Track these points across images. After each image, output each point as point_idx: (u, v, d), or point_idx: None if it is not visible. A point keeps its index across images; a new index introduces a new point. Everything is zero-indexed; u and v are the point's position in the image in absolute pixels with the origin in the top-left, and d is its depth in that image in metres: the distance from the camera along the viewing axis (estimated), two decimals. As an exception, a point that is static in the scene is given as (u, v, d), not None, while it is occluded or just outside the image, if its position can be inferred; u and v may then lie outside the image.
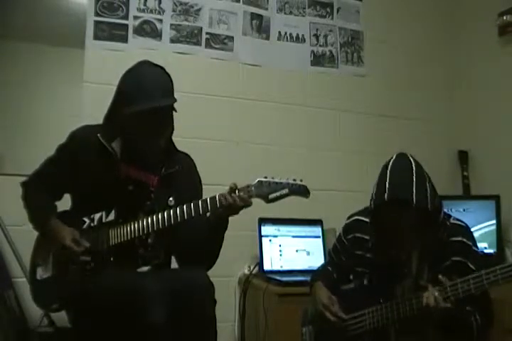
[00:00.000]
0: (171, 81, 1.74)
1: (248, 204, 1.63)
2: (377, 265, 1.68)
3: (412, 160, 1.59)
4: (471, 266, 1.54)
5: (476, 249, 1.61)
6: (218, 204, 1.61)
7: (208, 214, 1.69)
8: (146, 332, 1.53)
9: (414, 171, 1.55)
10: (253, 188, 1.62)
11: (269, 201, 1.63)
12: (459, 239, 1.59)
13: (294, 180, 1.66)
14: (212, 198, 1.62)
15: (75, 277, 1.65)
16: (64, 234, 1.66)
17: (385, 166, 1.60)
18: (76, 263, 1.65)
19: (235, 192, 1.61)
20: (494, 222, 2.74)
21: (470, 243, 1.60)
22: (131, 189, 1.71)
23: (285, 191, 1.63)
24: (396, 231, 1.57)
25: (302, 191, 1.65)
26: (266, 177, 1.64)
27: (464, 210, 2.81)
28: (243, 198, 1.60)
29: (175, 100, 1.69)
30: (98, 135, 1.70)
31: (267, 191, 1.62)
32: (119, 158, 1.71)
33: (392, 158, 1.62)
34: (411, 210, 1.51)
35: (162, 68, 1.75)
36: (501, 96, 3.01)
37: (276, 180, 1.64)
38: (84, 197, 1.74)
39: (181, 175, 1.78)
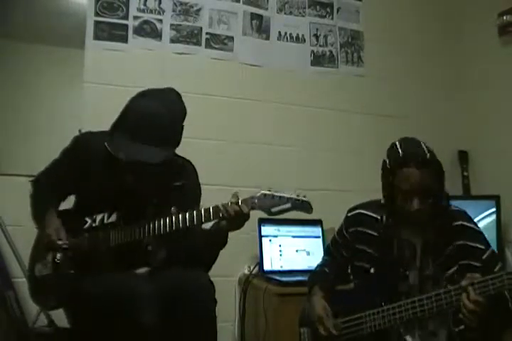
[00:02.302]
0: (179, 125, 1.68)
1: (247, 217, 1.63)
2: (379, 260, 1.68)
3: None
4: (476, 245, 1.56)
5: (477, 229, 1.63)
6: (221, 214, 1.61)
7: (210, 225, 1.70)
8: (145, 331, 1.54)
9: (422, 142, 1.65)
10: (256, 200, 1.62)
11: (271, 214, 1.63)
12: (460, 223, 1.62)
13: (298, 195, 1.65)
14: (215, 207, 1.62)
15: (74, 275, 1.65)
16: (49, 223, 1.67)
17: (391, 144, 1.67)
18: (54, 249, 1.65)
19: (237, 203, 1.61)
20: (494, 222, 2.75)
21: (471, 225, 1.63)
22: (134, 194, 1.71)
23: (288, 206, 1.63)
24: (416, 186, 1.56)
25: (305, 207, 1.65)
26: (270, 190, 1.64)
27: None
28: (244, 209, 1.60)
29: (164, 156, 1.61)
30: (105, 144, 1.65)
31: (270, 204, 1.62)
32: (124, 167, 1.70)
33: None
34: (426, 164, 1.57)
35: (173, 111, 1.66)
36: (501, 96, 3.01)
37: (280, 193, 1.64)
38: (88, 198, 1.74)
39: (185, 187, 1.78)
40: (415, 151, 1.59)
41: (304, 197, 1.66)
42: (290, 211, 1.64)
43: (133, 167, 1.67)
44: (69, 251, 1.65)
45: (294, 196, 1.64)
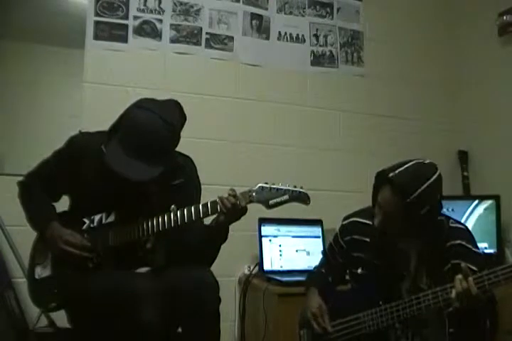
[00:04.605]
0: (175, 141, 1.65)
1: (245, 210, 1.64)
2: (376, 266, 1.68)
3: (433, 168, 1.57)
4: (472, 267, 1.50)
5: (476, 250, 1.59)
6: (219, 208, 1.61)
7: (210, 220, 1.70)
8: (148, 331, 1.53)
9: (432, 179, 1.52)
10: (254, 193, 1.63)
11: (269, 207, 1.64)
12: (458, 242, 1.58)
13: (295, 186, 1.66)
14: (213, 202, 1.62)
15: (74, 276, 1.65)
16: (64, 232, 1.66)
17: (400, 163, 1.58)
18: (77, 259, 1.65)
19: (234, 197, 1.61)
20: (494, 221, 2.74)
21: (470, 245, 1.58)
22: (132, 194, 1.71)
23: (285, 197, 1.63)
24: (384, 209, 1.57)
25: (302, 198, 1.66)
26: (267, 183, 1.65)
27: (463, 210, 2.81)
28: (241, 202, 1.61)
29: (155, 174, 1.57)
30: (102, 146, 1.63)
31: (268, 197, 1.63)
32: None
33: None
34: (406, 205, 1.50)
35: (172, 127, 1.60)
36: (501, 96, 3.01)
37: (277, 186, 1.65)
38: (85, 199, 1.73)
39: (184, 185, 1.77)
40: (406, 184, 1.51)
41: (301, 188, 1.66)
42: (288, 203, 1.65)
43: None
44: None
45: (291, 188, 1.65)
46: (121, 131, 1.60)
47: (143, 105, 1.62)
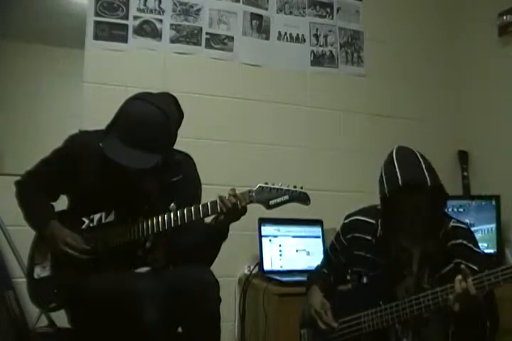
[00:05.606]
0: (172, 130, 1.64)
1: (245, 210, 1.64)
2: (377, 265, 1.68)
3: (412, 148, 1.65)
4: (474, 267, 1.51)
5: (478, 250, 1.60)
6: (219, 208, 1.61)
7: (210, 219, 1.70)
8: (148, 332, 1.53)
9: (418, 155, 1.60)
10: (254, 194, 1.63)
11: (269, 207, 1.65)
12: (460, 241, 1.59)
13: (295, 186, 1.66)
14: (213, 202, 1.63)
15: (74, 276, 1.65)
16: (64, 233, 1.66)
17: (390, 157, 1.63)
18: (75, 260, 1.65)
19: (235, 197, 1.61)
20: (494, 222, 2.75)
21: (471, 245, 1.59)
22: (131, 193, 1.71)
23: (285, 198, 1.64)
24: (412, 217, 1.58)
25: (302, 198, 1.66)
26: (267, 183, 1.65)
27: (463, 210, 2.81)
28: (241, 202, 1.61)
29: (153, 162, 1.57)
30: (100, 144, 1.62)
31: (268, 197, 1.63)
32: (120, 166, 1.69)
33: (392, 150, 1.65)
34: (427, 191, 1.54)
35: (167, 115, 1.60)
36: (501, 96, 3.01)
37: (277, 186, 1.65)
38: (84, 198, 1.72)
39: (183, 182, 1.77)
40: (415, 178, 1.53)
41: (301, 188, 1.67)
42: (288, 203, 1.65)
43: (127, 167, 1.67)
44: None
45: (291, 188, 1.65)
46: (117, 123, 1.61)
47: (137, 96, 1.64)
